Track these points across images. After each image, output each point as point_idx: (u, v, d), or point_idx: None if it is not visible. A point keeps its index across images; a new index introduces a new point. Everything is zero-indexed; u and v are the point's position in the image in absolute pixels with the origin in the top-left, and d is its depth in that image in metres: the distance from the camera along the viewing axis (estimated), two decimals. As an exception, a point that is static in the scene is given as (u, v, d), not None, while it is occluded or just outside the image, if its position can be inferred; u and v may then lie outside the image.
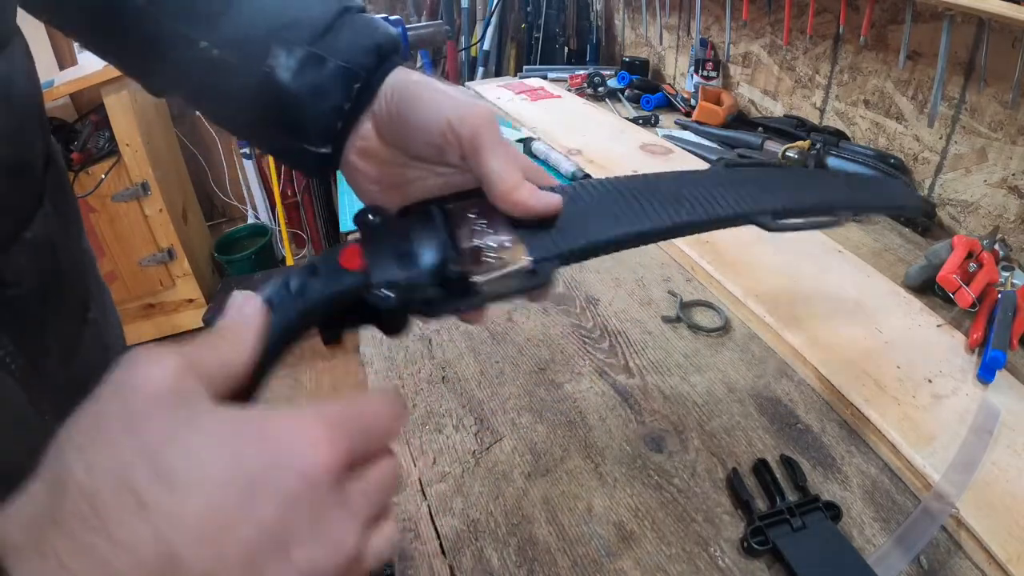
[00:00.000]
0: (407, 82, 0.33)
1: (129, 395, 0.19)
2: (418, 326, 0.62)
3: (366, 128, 0.34)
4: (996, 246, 0.69)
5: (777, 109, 1.17)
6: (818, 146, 0.93)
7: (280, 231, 2.18)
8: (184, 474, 0.17)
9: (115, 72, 1.42)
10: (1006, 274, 0.65)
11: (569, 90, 1.35)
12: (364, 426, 0.21)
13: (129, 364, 0.20)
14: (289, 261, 2.21)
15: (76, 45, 1.75)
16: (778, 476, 0.45)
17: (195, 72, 0.34)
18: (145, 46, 0.34)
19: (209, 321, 1.97)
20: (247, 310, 0.23)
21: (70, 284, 0.41)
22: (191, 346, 0.21)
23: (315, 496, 0.18)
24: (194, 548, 0.16)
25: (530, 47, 2.04)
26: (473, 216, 0.30)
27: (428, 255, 0.27)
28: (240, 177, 2.24)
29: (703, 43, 1.28)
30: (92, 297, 0.45)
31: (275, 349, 0.23)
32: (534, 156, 0.99)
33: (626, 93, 1.34)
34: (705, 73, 1.27)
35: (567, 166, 0.91)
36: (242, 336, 0.22)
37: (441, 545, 0.42)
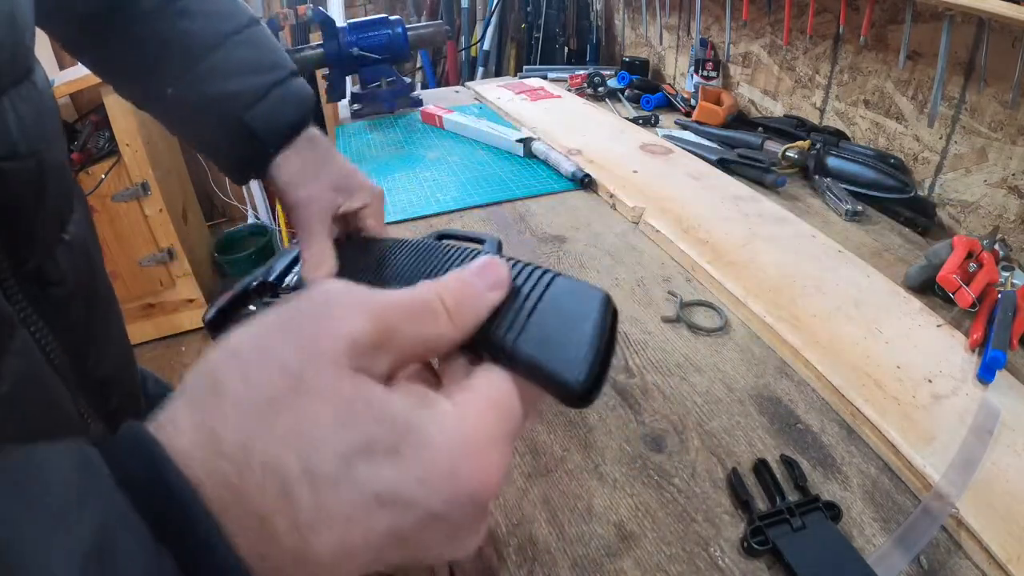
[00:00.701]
0: (310, 146, 0.47)
1: (306, 337, 0.18)
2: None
3: (274, 174, 0.46)
4: (996, 246, 0.69)
5: (777, 109, 1.17)
6: (818, 146, 0.93)
7: (280, 231, 2.18)
8: (332, 477, 0.17)
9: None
10: (1006, 274, 0.65)
11: (569, 90, 1.35)
12: (515, 429, 0.20)
13: (312, 303, 0.19)
14: (289, 261, 2.21)
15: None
16: (778, 476, 0.45)
17: (161, 105, 0.45)
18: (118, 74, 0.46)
19: (209, 322, 1.97)
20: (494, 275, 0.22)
21: (100, 283, 0.42)
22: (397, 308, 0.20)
23: (464, 524, 0.18)
24: (328, 551, 0.17)
25: (530, 47, 2.04)
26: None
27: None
28: (240, 177, 2.24)
29: (703, 43, 1.28)
30: (113, 296, 0.46)
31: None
32: (534, 156, 0.99)
33: (626, 93, 1.34)
34: (705, 73, 1.28)
35: (567, 166, 0.91)
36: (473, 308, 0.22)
37: (441, 545, 0.42)
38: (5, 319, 0.29)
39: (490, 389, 0.20)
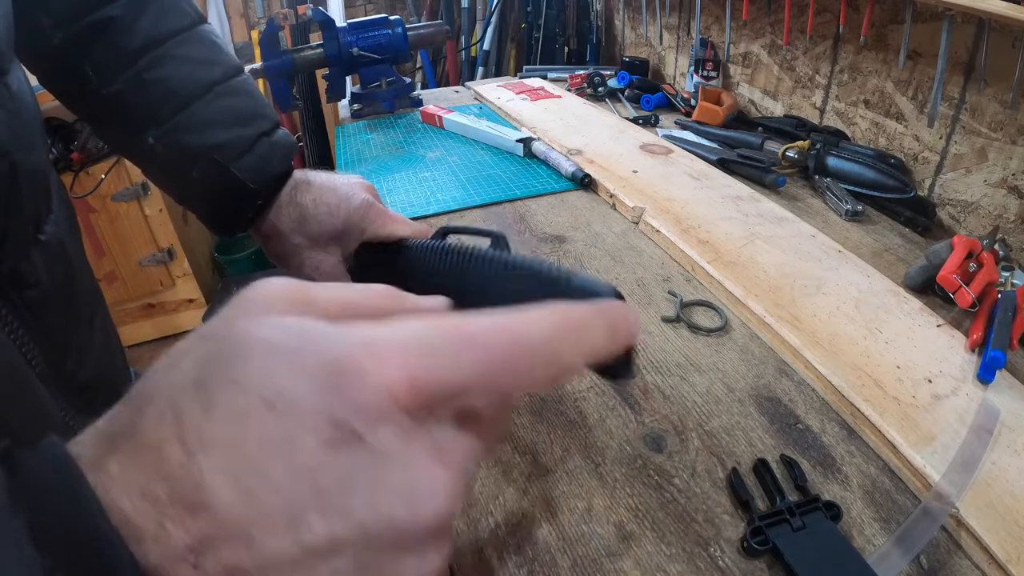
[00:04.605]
0: (305, 187, 0.47)
1: (243, 299, 0.18)
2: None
3: (268, 224, 0.47)
4: (996, 246, 0.69)
5: (777, 109, 1.17)
6: (818, 146, 0.93)
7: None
8: (220, 382, 0.15)
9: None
10: (1006, 274, 0.65)
11: (569, 90, 1.35)
12: (455, 358, 0.16)
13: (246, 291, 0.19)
14: (289, 261, 2.20)
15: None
16: (778, 476, 0.45)
17: (140, 152, 0.45)
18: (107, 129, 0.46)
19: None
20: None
21: (81, 285, 0.42)
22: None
23: (361, 429, 0.15)
24: (217, 478, 0.14)
25: (530, 47, 2.04)
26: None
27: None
28: (240, 177, 2.24)
29: (703, 43, 1.28)
30: (98, 298, 0.46)
31: None
32: (534, 156, 0.99)
33: (626, 93, 1.34)
34: (705, 73, 1.27)
35: (567, 166, 0.91)
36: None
37: (441, 545, 0.42)
38: None
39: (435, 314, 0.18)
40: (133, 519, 0.14)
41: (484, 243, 0.36)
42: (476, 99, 1.34)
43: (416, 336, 0.16)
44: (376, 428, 0.15)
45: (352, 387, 0.15)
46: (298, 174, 0.48)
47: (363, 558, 0.15)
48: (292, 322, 0.17)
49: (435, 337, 0.16)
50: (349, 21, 1.14)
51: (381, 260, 0.45)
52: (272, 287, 0.18)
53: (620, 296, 0.22)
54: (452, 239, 0.39)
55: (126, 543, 0.14)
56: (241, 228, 0.47)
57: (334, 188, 0.47)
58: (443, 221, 0.83)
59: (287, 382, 0.15)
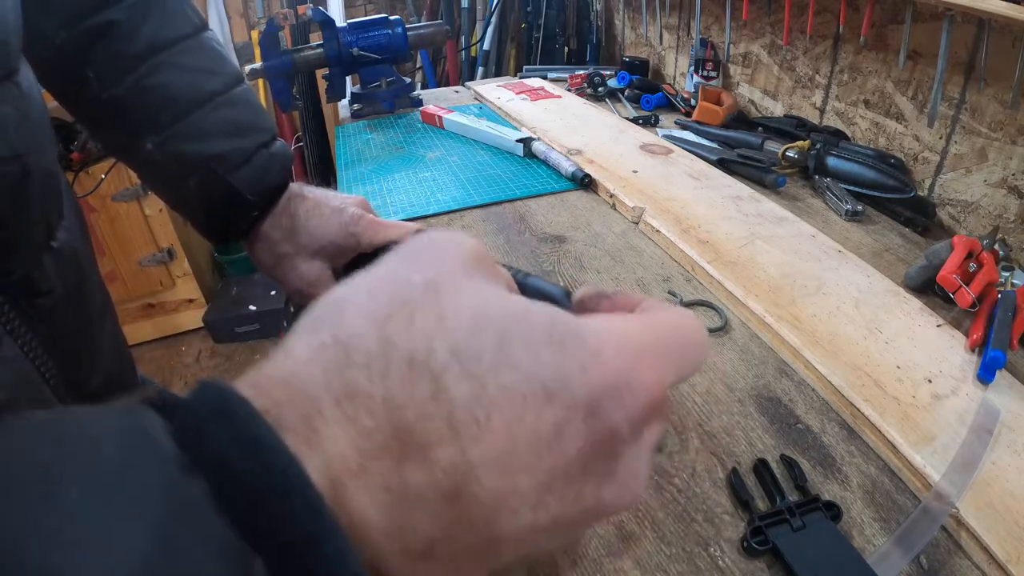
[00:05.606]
0: (299, 199, 0.47)
1: (429, 256, 0.17)
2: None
3: (263, 232, 0.47)
4: (996, 246, 0.69)
5: (777, 109, 1.17)
6: (818, 146, 0.93)
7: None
8: (492, 367, 0.14)
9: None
10: (1006, 274, 0.65)
11: (569, 90, 1.35)
12: (682, 361, 0.18)
13: (424, 237, 0.18)
14: (289, 261, 2.20)
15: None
16: (778, 476, 0.45)
17: (137, 158, 0.45)
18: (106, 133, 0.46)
19: (210, 322, 1.97)
20: None
21: (92, 290, 0.42)
22: None
23: (624, 436, 0.16)
24: (488, 470, 0.13)
25: (530, 47, 2.05)
26: None
27: None
28: (240, 177, 2.24)
29: (703, 43, 1.28)
30: (108, 302, 0.45)
31: None
32: (534, 156, 0.99)
33: (626, 93, 1.34)
34: (705, 73, 1.27)
35: (567, 166, 0.91)
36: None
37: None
38: None
39: (656, 316, 0.19)
40: (365, 514, 0.13)
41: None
42: (476, 99, 1.34)
43: (658, 341, 0.17)
44: (636, 435, 0.16)
45: (628, 396, 0.16)
46: (294, 187, 0.48)
47: (564, 532, 0.16)
48: (541, 307, 0.16)
49: (670, 344, 0.18)
50: (349, 21, 1.14)
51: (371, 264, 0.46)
52: (466, 243, 0.17)
53: (570, 298, 0.22)
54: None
55: (353, 548, 0.12)
56: (236, 237, 0.48)
57: (328, 202, 0.47)
58: (443, 221, 0.83)
59: (563, 374, 0.15)
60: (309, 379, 0.14)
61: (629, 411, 0.15)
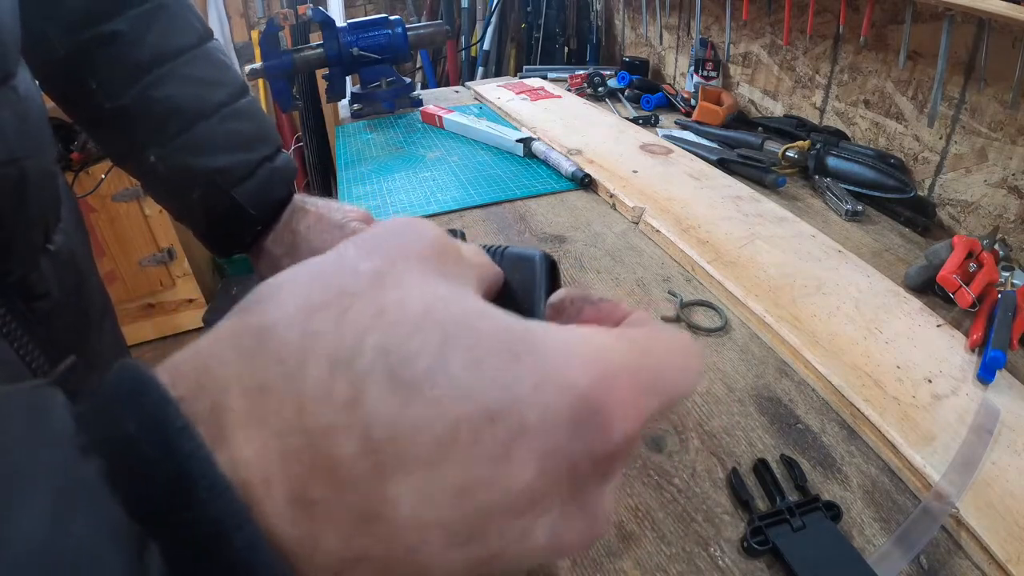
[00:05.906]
0: (302, 213, 0.47)
1: (383, 245, 0.15)
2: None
3: (266, 248, 0.47)
4: (996, 246, 0.69)
5: (777, 109, 1.17)
6: (818, 146, 0.93)
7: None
8: (427, 374, 0.12)
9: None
10: (1006, 274, 0.65)
11: (569, 90, 1.35)
12: (666, 388, 0.15)
13: (386, 223, 0.16)
14: (289, 261, 2.21)
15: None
16: (778, 476, 0.45)
17: (141, 167, 0.44)
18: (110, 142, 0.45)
19: (210, 322, 1.97)
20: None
21: (90, 292, 0.42)
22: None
23: (585, 473, 0.14)
24: (407, 496, 0.12)
25: (530, 47, 2.04)
26: None
27: None
28: (240, 177, 2.24)
29: (703, 43, 1.28)
30: (107, 304, 0.45)
31: None
32: (534, 156, 0.99)
33: (626, 93, 1.34)
34: (705, 73, 1.28)
35: (567, 166, 0.91)
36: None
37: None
38: None
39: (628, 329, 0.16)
40: (271, 523, 0.12)
41: (485, 242, 0.36)
42: (476, 99, 1.34)
43: (640, 362, 0.15)
44: (601, 474, 0.14)
45: (592, 427, 0.13)
46: (297, 199, 0.48)
47: (514, 566, 0.14)
48: (501, 314, 0.14)
49: (655, 367, 0.15)
50: (349, 21, 1.14)
51: None
52: (428, 233, 0.16)
53: (550, 259, 0.21)
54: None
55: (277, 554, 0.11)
56: (238, 251, 0.47)
57: (330, 216, 0.47)
58: (443, 221, 0.83)
59: (512, 392, 0.13)
60: (221, 364, 0.13)
61: (592, 445, 0.13)
